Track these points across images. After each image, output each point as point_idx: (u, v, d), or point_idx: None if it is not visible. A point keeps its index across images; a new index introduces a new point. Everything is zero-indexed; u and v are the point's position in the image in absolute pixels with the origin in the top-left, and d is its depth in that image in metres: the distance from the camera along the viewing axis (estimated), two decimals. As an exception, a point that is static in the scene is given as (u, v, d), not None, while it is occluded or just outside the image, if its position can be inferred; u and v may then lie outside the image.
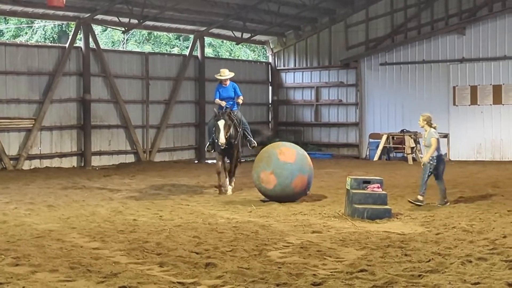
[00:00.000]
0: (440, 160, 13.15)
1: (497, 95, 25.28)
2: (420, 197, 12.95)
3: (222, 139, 14.80)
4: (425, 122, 13.25)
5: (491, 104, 25.38)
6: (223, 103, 15.52)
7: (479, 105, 25.59)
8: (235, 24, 27.47)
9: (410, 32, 27.48)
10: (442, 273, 7.32)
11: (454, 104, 25.97)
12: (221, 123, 14.89)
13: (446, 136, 25.56)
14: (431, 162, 13.04)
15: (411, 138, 24.83)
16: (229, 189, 15.50)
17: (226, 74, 15.79)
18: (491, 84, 25.39)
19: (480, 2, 25.98)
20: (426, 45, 26.68)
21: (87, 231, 10.23)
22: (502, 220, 11.12)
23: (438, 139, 13.11)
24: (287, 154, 13.87)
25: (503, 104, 25.20)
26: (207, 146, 15.98)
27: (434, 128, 13.25)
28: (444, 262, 7.81)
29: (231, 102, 15.63)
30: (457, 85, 25.96)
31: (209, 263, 7.82)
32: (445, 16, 26.68)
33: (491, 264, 7.71)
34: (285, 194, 13.68)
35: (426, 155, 13.23)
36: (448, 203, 13.07)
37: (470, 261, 7.85)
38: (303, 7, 27.13)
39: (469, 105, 25.77)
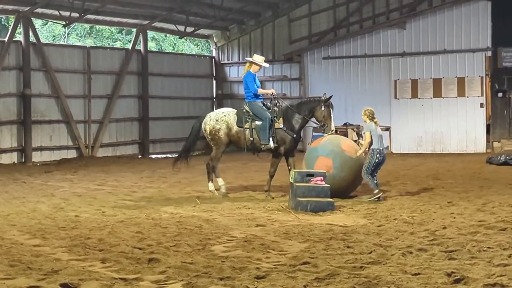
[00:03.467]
0: (372, 154, 12.94)
1: (437, 89, 25.77)
2: (375, 191, 12.89)
3: (333, 127, 13.69)
4: (366, 116, 13.17)
5: (431, 98, 25.87)
6: (271, 91, 14.32)
7: (419, 98, 26.04)
8: (178, 18, 27.34)
9: (352, 26, 27.76)
10: (383, 264, 7.42)
11: (395, 97, 26.37)
12: (331, 110, 13.70)
13: (388, 129, 25.93)
14: (373, 155, 12.93)
15: (354, 131, 25.05)
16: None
17: (263, 61, 14.33)
18: (431, 78, 25.88)
19: (420, -3, 26.42)
20: (368, 39, 27.01)
21: (28, 228, 10.05)
22: (442, 211, 11.32)
23: (370, 133, 12.98)
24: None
25: (443, 97, 25.69)
26: (270, 142, 13.73)
27: (375, 123, 13.14)
28: (385, 254, 7.91)
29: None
30: (398, 79, 26.36)
31: (152, 258, 7.76)
32: (386, 10, 27.04)
33: (431, 255, 7.84)
34: None
35: (360, 150, 13.27)
36: (374, 198, 12.76)
37: (411, 252, 7.96)
38: (247, 1, 27.16)
39: (410, 99, 26.20)
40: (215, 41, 30.62)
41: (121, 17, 25.94)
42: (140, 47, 26.82)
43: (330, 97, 13.80)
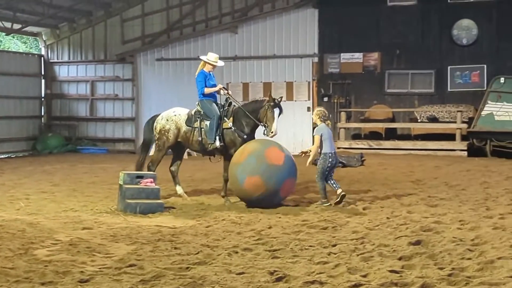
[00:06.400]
0: (324, 159, 12.30)
1: (268, 92, 26.33)
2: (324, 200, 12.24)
3: (276, 129, 12.86)
4: (318, 117, 12.55)
5: (262, 101, 26.47)
6: (218, 88, 13.27)
7: (250, 101, 26.61)
8: (4, 14, 26.17)
9: (185, 29, 27.88)
10: (209, 264, 7.52)
11: (227, 100, 26.73)
12: (277, 111, 12.86)
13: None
14: (325, 160, 12.28)
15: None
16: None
17: (218, 61, 13.50)
18: (261, 82, 26.53)
19: (252, 3, 27.01)
20: (200, 42, 27.21)
21: None
22: (269, 211, 11.61)
23: (321, 136, 12.32)
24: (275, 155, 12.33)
25: (272, 101, 26.38)
26: (216, 141, 12.95)
27: (327, 124, 12.47)
28: (212, 254, 8.02)
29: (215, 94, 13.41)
30: (230, 82, 26.78)
31: (-31, 264, 7.40)
32: (218, 14, 27.39)
33: (256, 254, 8.05)
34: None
35: (310, 156, 12.46)
36: (329, 204, 12.17)
37: (237, 252, 8.13)
38: (77, -1, 26.53)
39: (241, 101, 26.63)
40: (44, 39, 29.63)
41: None
42: (-38, 42, 25.46)
43: (276, 99, 13.03)
